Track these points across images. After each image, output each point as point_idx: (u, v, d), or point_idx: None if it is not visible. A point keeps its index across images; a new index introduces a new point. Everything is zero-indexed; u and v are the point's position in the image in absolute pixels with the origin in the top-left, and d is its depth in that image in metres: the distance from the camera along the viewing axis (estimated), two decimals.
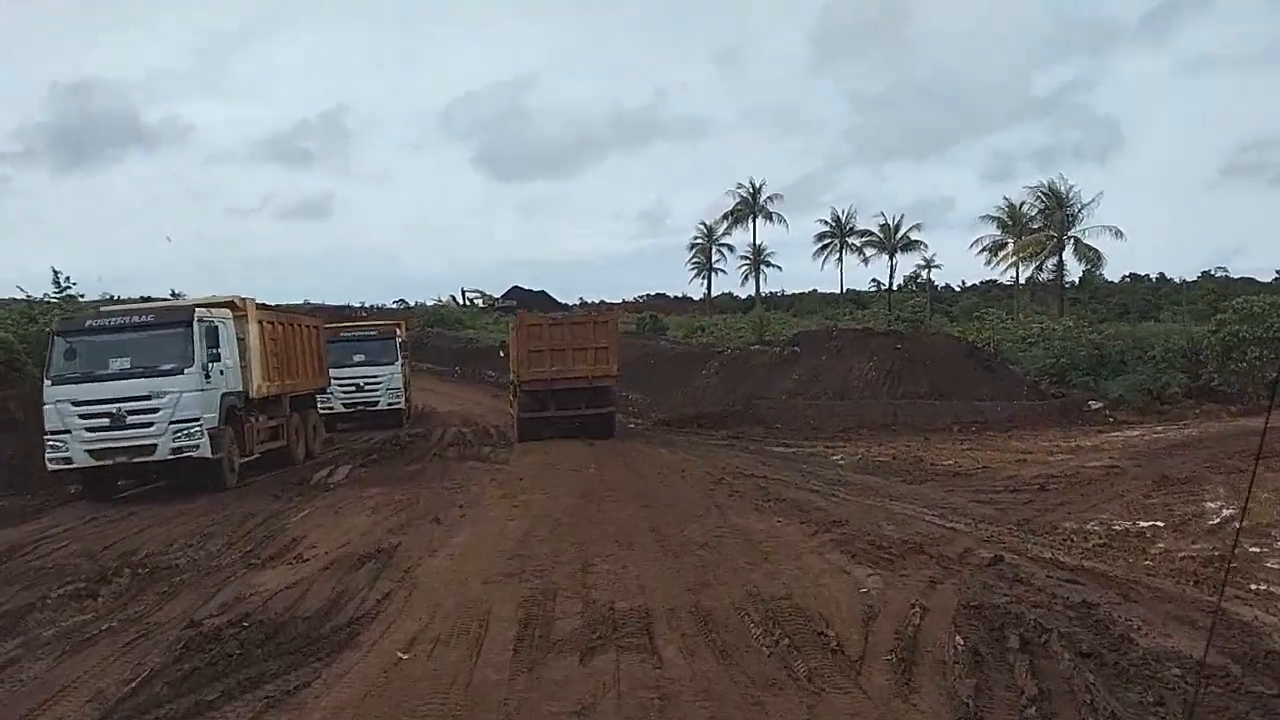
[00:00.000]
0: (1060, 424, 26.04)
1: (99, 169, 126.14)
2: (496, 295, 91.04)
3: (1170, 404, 33.29)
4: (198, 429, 14.12)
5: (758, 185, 62.79)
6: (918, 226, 60.03)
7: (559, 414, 20.48)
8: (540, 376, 20.34)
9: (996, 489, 14.60)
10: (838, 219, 63.14)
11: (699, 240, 71.62)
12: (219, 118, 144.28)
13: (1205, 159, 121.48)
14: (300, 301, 77.04)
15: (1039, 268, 44.56)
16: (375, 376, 25.62)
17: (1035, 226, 44.61)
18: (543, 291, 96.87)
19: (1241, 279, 74.24)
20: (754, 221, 63.50)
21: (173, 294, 78.95)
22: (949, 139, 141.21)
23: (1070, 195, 41.63)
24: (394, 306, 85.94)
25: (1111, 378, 36.11)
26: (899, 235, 58.40)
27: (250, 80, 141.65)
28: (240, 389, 15.59)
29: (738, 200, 63.22)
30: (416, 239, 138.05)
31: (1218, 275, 77.10)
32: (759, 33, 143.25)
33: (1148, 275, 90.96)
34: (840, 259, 63.18)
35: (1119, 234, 41.17)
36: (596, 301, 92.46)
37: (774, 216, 62.72)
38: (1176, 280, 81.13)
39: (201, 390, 14.24)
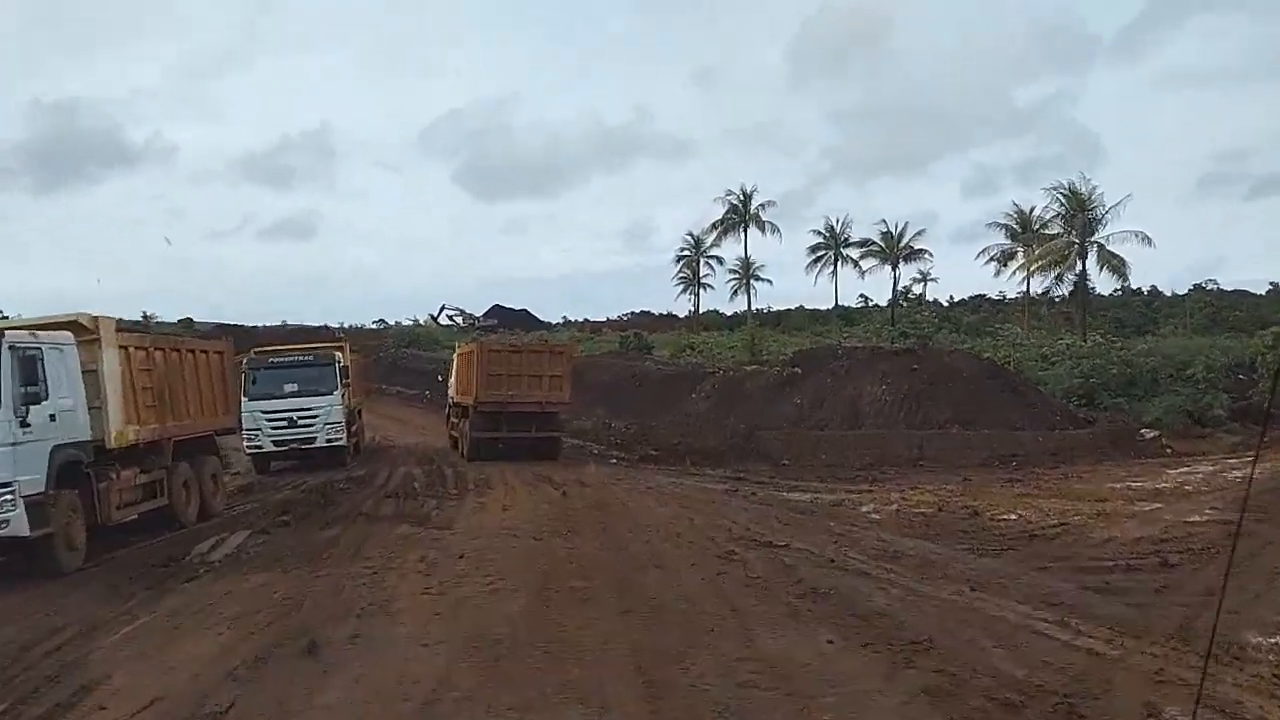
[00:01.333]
0: (1112, 456, 22.51)
1: (80, 188, 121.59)
2: (477, 314, 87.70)
3: (1210, 427, 29.91)
4: (8, 497, 10.20)
5: (749, 192, 58.99)
6: (921, 233, 56.05)
7: (510, 435, 21.73)
8: (497, 399, 21.28)
9: (1103, 563, 10.89)
10: (831, 229, 59.47)
11: (686, 252, 67.81)
12: (202, 137, 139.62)
13: (1183, 172, 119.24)
14: (279, 322, 73.36)
15: (1058, 278, 40.94)
16: (311, 409, 21.66)
17: (1051, 233, 41.14)
18: (524, 310, 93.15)
19: (1235, 291, 71.34)
20: (745, 231, 59.54)
21: (144, 317, 75.30)
22: (930, 154, 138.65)
23: (1092, 198, 38.16)
24: (374, 327, 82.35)
25: (1146, 399, 32.67)
26: (902, 244, 54.66)
27: (233, 100, 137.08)
28: (88, 437, 11.67)
29: (727, 208, 59.30)
30: (399, 258, 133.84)
31: (1209, 288, 73.95)
32: (738, 51, 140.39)
33: (1140, 289, 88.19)
34: (835, 271, 59.47)
35: (1147, 240, 37.69)
36: (580, 320, 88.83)
37: (766, 226, 58.84)
38: (1168, 294, 78.07)
39: (14, 444, 10.32)
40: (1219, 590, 9.74)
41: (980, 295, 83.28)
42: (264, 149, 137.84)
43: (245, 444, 21.77)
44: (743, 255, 61.99)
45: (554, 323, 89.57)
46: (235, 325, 73.91)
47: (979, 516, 14.33)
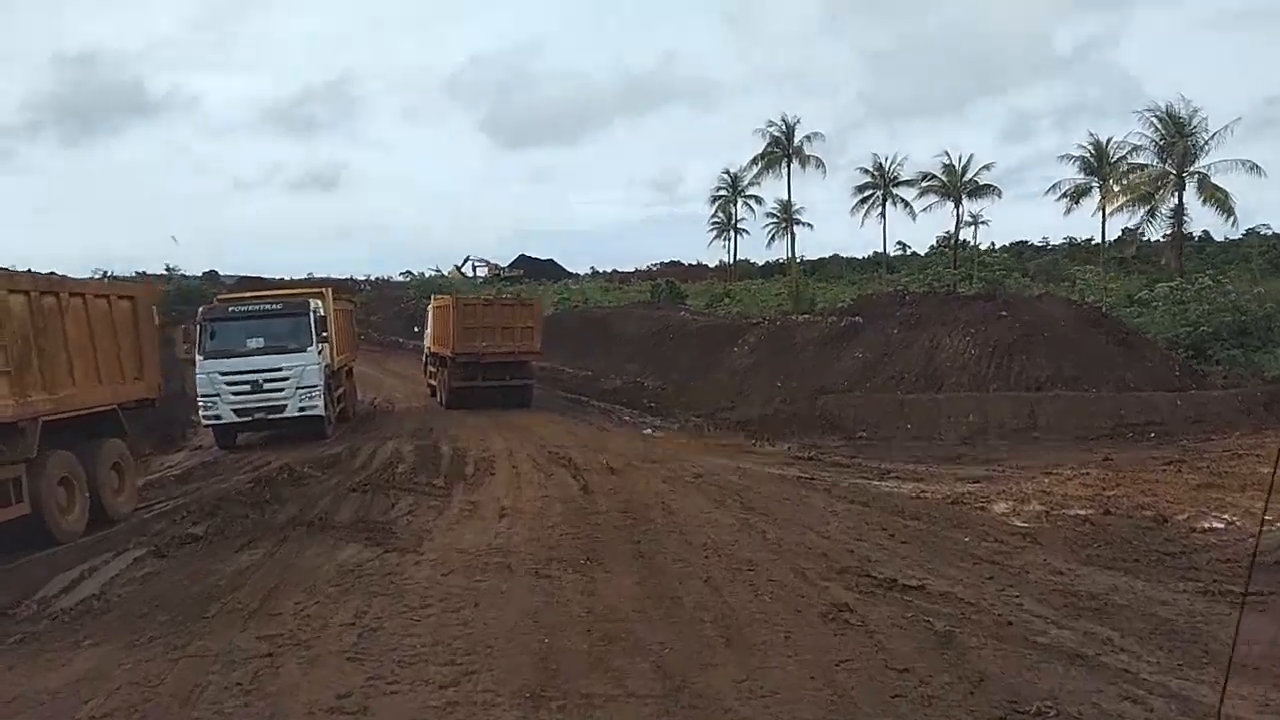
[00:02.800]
0: (1268, 424, 18.06)
1: (103, 141, 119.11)
2: (504, 265, 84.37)
3: None
4: None
5: (792, 124, 53.39)
6: (988, 167, 49.84)
7: (486, 384, 22.78)
8: (472, 350, 22.27)
9: None
10: (880, 168, 54.10)
11: (723, 192, 62.65)
12: (224, 87, 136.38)
13: (1229, 114, 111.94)
14: (305, 275, 70.14)
15: (1150, 213, 35.79)
16: (280, 370, 17.75)
17: (1139, 163, 35.98)
18: (551, 260, 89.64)
19: None
20: (788, 167, 54.11)
21: (168, 269, 71.85)
22: (965, 98, 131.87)
23: (1193, 122, 32.95)
24: (400, 279, 79.23)
25: (1263, 350, 28.14)
26: (965, 178, 49.10)
27: (255, 49, 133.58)
28: None
29: (769, 141, 53.77)
30: (426, 209, 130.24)
31: (1264, 233, 67.84)
32: None
33: (1191, 234, 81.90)
34: (883, 213, 54.25)
35: (1256, 169, 32.52)
36: (608, 271, 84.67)
37: (810, 161, 53.25)
38: (1221, 239, 71.83)
39: None
40: None
41: (1022, 241, 77.68)
42: (287, 100, 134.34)
43: (201, 413, 18.01)
44: (783, 196, 56.80)
45: (581, 273, 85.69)
46: (259, 278, 70.97)
47: (1167, 524, 10.15)
